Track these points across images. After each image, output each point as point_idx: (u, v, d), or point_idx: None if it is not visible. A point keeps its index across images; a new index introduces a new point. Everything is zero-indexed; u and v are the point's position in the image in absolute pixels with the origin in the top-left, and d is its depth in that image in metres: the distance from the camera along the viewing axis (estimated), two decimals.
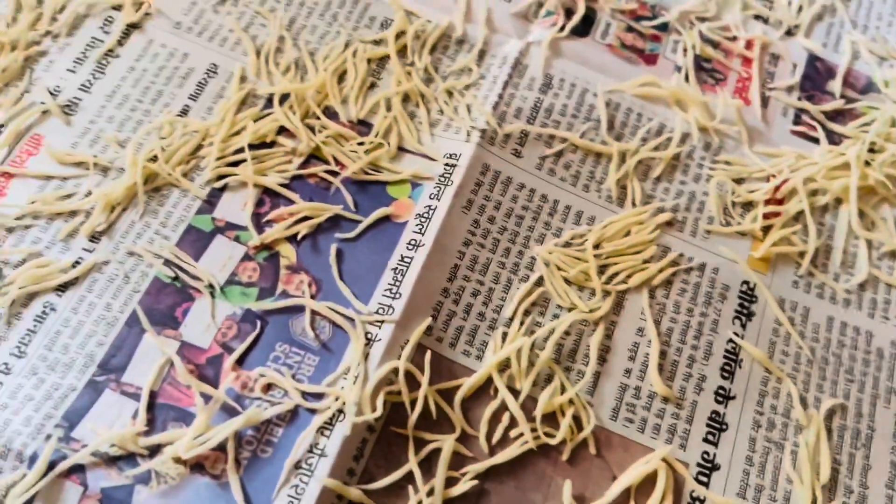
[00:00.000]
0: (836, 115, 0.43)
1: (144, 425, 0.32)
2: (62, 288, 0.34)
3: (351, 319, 0.34)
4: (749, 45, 0.44)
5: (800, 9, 0.46)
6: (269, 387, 0.33)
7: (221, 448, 0.32)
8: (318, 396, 0.33)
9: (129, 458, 0.31)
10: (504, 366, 0.34)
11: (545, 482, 0.33)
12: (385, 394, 0.33)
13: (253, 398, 0.33)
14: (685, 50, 0.44)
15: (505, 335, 0.35)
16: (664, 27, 0.44)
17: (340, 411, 0.32)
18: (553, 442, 0.33)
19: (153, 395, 0.32)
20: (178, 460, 0.31)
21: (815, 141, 0.42)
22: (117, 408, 0.32)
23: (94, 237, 0.35)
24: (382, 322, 0.34)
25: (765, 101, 0.43)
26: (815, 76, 0.44)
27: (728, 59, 0.44)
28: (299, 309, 0.35)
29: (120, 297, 0.34)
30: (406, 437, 0.33)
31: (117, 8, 0.41)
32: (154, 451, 0.31)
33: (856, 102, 0.43)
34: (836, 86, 0.43)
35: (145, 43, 0.40)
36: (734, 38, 0.45)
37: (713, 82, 0.43)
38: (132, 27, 0.40)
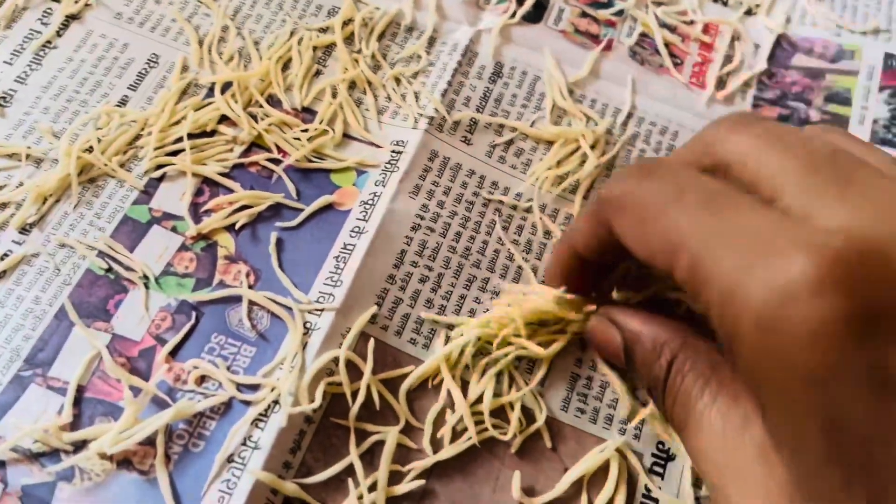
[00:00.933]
0: (799, 95, 0.42)
1: (70, 419, 0.30)
2: None
3: (289, 308, 0.33)
4: (707, 28, 0.44)
5: None
6: (202, 379, 0.32)
7: (151, 443, 0.30)
8: (254, 388, 0.32)
9: (53, 454, 0.30)
10: (453, 358, 0.33)
11: (493, 475, 0.31)
12: (325, 384, 0.31)
13: (186, 391, 0.31)
14: (641, 35, 0.43)
15: (451, 327, 0.34)
16: (620, 13, 0.44)
17: (276, 402, 0.31)
18: (505, 438, 0.32)
19: (82, 390, 0.31)
20: (103, 456, 0.30)
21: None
22: (43, 403, 0.31)
23: (25, 229, 0.34)
24: (322, 310, 0.33)
25: (722, 84, 0.42)
26: (781, 54, 0.43)
27: (685, 43, 0.43)
28: (236, 299, 0.33)
29: (49, 290, 0.33)
30: (347, 428, 0.31)
31: (57, 0, 0.40)
32: (79, 446, 0.30)
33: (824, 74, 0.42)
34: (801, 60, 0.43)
35: (84, 34, 0.39)
36: (691, 23, 0.44)
37: (671, 65, 0.42)
38: (71, 18, 0.39)
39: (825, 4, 0.44)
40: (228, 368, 0.32)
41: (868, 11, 0.45)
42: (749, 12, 0.44)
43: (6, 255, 0.33)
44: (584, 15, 0.43)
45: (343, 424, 0.31)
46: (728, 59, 0.43)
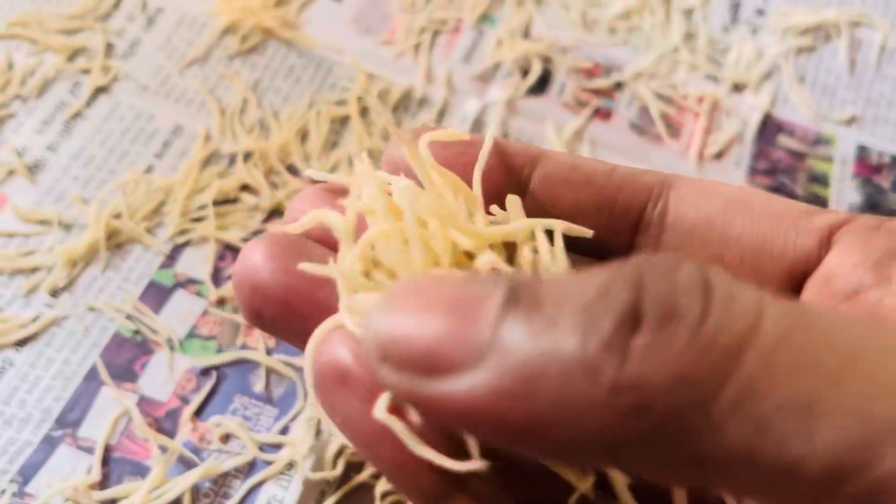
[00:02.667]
0: (788, 170, 0.44)
1: (98, 478, 0.31)
2: (21, 343, 0.34)
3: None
4: (700, 102, 0.46)
5: (747, 67, 0.48)
6: (227, 439, 0.33)
7: (178, 502, 0.31)
8: (277, 447, 0.33)
9: None
10: None
11: None
12: (349, 453, 0.33)
13: (211, 450, 0.33)
14: (641, 107, 0.45)
15: None
16: (619, 86, 0.46)
17: (295, 462, 0.32)
18: None
19: (110, 450, 0.32)
20: None
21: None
22: (72, 462, 0.32)
23: (55, 293, 0.36)
24: None
25: (719, 155, 0.44)
26: (768, 130, 0.45)
27: (680, 114, 0.45)
28: (257, 362, 0.35)
29: (79, 352, 0.34)
30: (371, 485, 0.32)
31: (86, 72, 0.42)
32: None
33: (805, 156, 0.45)
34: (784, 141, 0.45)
35: (112, 105, 0.41)
36: (685, 96, 0.46)
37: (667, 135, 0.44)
38: (100, 90, 0.41)
39: (806, 90, 0.47)
40: (251, 429, 0.33)
41: (846, 98, 0.47)
42: (737, 88, 0.47)
43: (37, 317, 0.35)
44: (585, 89, 0.45)
45: (368, 483, 0.32)
46: (718, 131, 0.45)
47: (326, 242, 0.18)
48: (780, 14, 0.49)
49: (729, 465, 0.13)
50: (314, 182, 0.19)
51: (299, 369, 0.34)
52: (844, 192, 0.44)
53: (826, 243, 0.19)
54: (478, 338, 0.13)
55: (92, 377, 0.34)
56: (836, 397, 0.12)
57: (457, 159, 0.19)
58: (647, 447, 0.13)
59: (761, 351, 0.13)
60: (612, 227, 0.20)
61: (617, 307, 0.13)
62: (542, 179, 0.19)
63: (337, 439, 0.33)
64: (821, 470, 0.12)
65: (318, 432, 0.33)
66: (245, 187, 0.39)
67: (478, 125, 0.43)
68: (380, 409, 0.16)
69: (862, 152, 0.45)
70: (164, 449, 0.32)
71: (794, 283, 0.19)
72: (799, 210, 0.20)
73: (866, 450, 0.12)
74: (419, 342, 0.14)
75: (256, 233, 0.38)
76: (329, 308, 0.17)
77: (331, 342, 0.17)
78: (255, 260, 0.18)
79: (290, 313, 0.18)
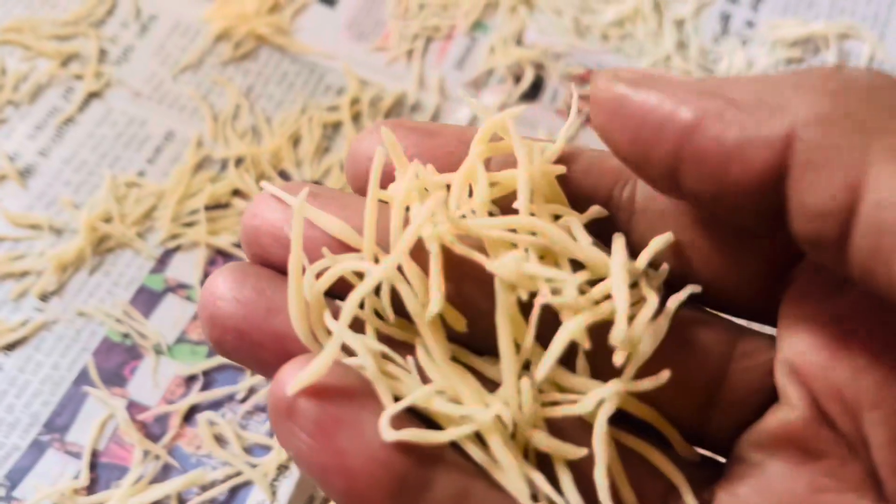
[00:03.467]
0: None
1: (86, 483, 0.31)
2: (10, 347, 0.34)
3: None
4: None
5: (738, 75, 0.48)
6: (216, 443, 0.33)
7: None
8: (268, 448, 0.33)
9: None
10: None
11: None
12: None
13: (200, 455, 0.33)
14: None
15: None
16: None
17: (286, 466, 0.32)
18: None
19: (98, 455, 0.32)
20: None
21: None
22: (60, 467, 0.32)
23: (45, 297, 0.36)
24: None
25: None
26: None
27: None
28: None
29: (68, 357, 0.34)
30: None
31: (79, 78, 0.42)
32: None
33: None
34: None
35: (105, 111, 0.41)
36: None
37: None
38: (92, 96, 0.42)
39: None
40: (239, 435, 0.33)
41: None
42: None
43: (27, 322, 0.35)
44: (580, 97, 0.46)
45: None
46: None
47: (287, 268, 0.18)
48: (769, 26, 0.49)
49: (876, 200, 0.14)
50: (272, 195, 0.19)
51: None
52: None
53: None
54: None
55: (81, 382, 0.34)
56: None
57: (417, 148, 0.19)
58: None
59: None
60: (578, 212, 0.19)
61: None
62: (505, 164, 0.19)
63: None
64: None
65: None
66: (237, 192, 0.39)
67: None
68: (386, 429, 0.16)
69: None
70: (147, 453, 0.32)
71: (778, 266, 0.19)
72: None
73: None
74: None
75: None
76: (284, 336, 0.18)
77: (284, 375, 0.17)
78: (215, 290, 0.18)
79: (246, 343, 0.18)
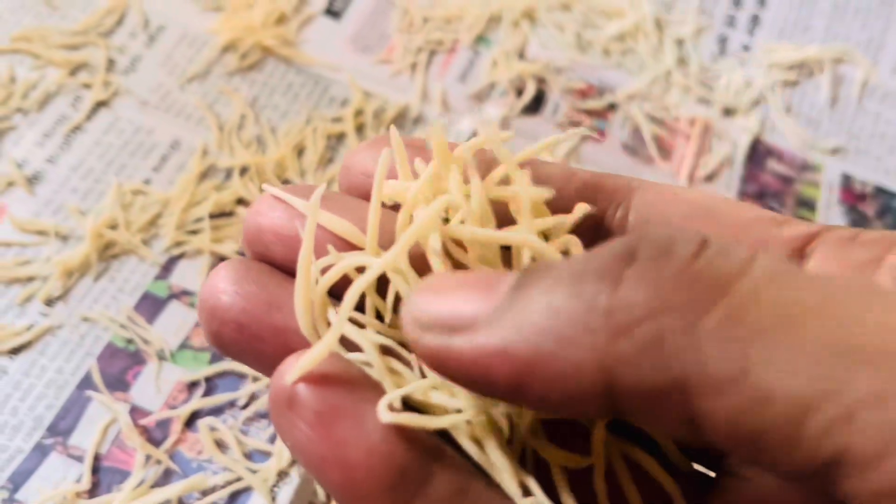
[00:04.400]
0: (777, 194, 0.45)
1: (88, 486, 0.32)
2: (15, 351, 0.35)
3: None
4: (692, 124, 0.47)
5: (737, 94, 0.48)
6: (217, 448, 0.33)
7: None
8: (268, 455, 0.33)
9: None
10: None
11: None
12: None
13: (201, 460, 0.33)
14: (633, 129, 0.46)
15: None
16: (612, 107, 0.47)
17: (285, 472, 0.33)
18: None
19: (100, 459, 0.33)
20: None
21: None
22: (63, 470, 0.32)
23: (50, 302, 0.36)
24: None
25: (710, 178, 0.45)
26: (758, 155, 0.46)
27: (672, 136, 0.46)
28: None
29: (72, 361, 0.35)
30: None
31: (87, 86, 0.42)
32: None
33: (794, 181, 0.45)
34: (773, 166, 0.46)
35: (112, 119, 0.42)
36: (677, 119, 0.47)
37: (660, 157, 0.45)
38: (100, 104, 0.42)
39: (792, 120, 0.48)
40: (240, 441, 0.34)
41: (830, 129, 0.48)
42: (728, 112, 0.47)
43: (32, 326, 0.35)
44: (578, 110, 0.46)
45: None
46: (709, 153, 0.46)
47: (289, 267, 0.18)
48: (764, 50, 0.50)
49: (710, 390, 0.13)
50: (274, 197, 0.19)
51: None
52: (831, 217, 0.44)
53: (799, 254, 0.19)
54: (493, 300, 0.15)
55: (84, 386, 0.34)
56: (815, 326, 0.13)
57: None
58: (637, 372, 0.14)
59: (749, 285, 0.13)
60: (571, 232, 0.20)
61: (615, 248, 0.14)
62: (502, 181, 0.20)
63: None
64: (795, 396, 0.13)
65: None
66: (241, 201, 0.40)
67: None
68: (384, 411, 0.16)
69: (846, 181, 0.46)
70: (149, 458, 0.32)
71: None
72: (769, 218, 0.19)
73: (838, 377, 0.13)
74: (446, 306, 0.15)
75: None
76: (284, 331, 0.18)
77: (285, 365, 0.17)
78: (216, 284, 0.18)
79: (245, 336, 0.18)
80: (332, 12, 0.48)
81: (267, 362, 0.18)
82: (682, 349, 0.13)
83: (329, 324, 0.18)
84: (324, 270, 0.18)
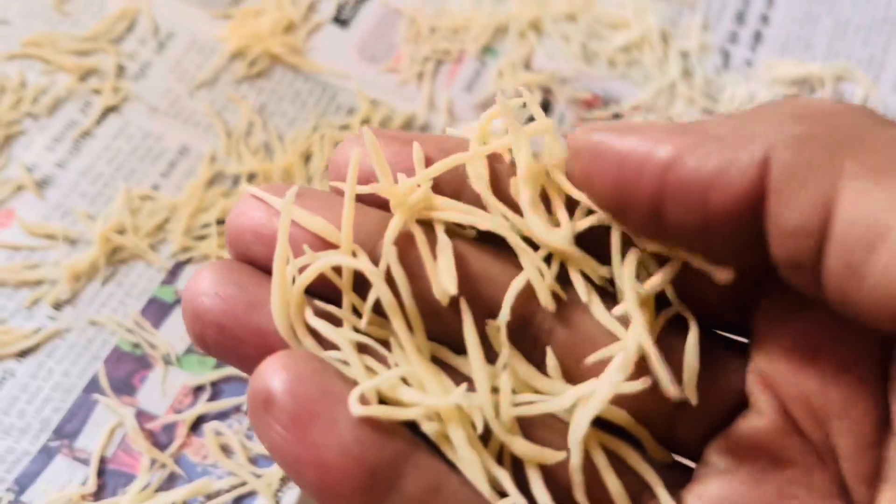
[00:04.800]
0: None
1: (93, 489, 0.32)
2: (22, 354, 0.35)
3: None
4: None
5: (741, 106, 0.48)
6: (222, 453, 0.33)
7: None
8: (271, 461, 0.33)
9: None
10: None
11: None
12: None
13: (206, 465, 0.33)
14: None
15: None
16: (617, 117, 0.47)
17: (289, 478, 0.33)
18: None
19: (106, 462, 0.33)
20: None
21: None
22: (68, 473, 0.32)
23: (58, 306, 0.36)
24: None
25: None
26: None
27: None
28: None
29: (79, 365, 0.35)
30: None
31: (97, 92, 0.43)
32: None
33: None
34: None
35: (121, 125, 0.42)
36: None
37: None
38: (110, 110, 0.42)
39: None
40: (245, 445, 0.34)
41: None
42: None
43: (39, 329, 0.36)
44: (584, 120, 0.46)
45: None
46: None
47: (270, 267, 0.19)
48: (766, 66, 0.50)
49: None
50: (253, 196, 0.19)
51: None
52: None
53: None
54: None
55: (91, 389, 0.34)
56: None
57: (398, 156, 0.20)
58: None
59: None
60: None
61: None
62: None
63: None
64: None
65: None
66: None
67: None
68: (354, 404, 0.17)
69: None
70: (154, 461, 0.33)
71: (751, 279, 0.19)
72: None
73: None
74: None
75: None
76: (264, 331, 0.18)
77: (263, 367, 0.17)
78: (198, 286, 0.18)
79: (227, 337, 0.18)
80: (340, 21, 0.48)
81: (249, 363, 0.18)
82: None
83: (307, 324, 0.18)
84: (302, 270, 0.18)
